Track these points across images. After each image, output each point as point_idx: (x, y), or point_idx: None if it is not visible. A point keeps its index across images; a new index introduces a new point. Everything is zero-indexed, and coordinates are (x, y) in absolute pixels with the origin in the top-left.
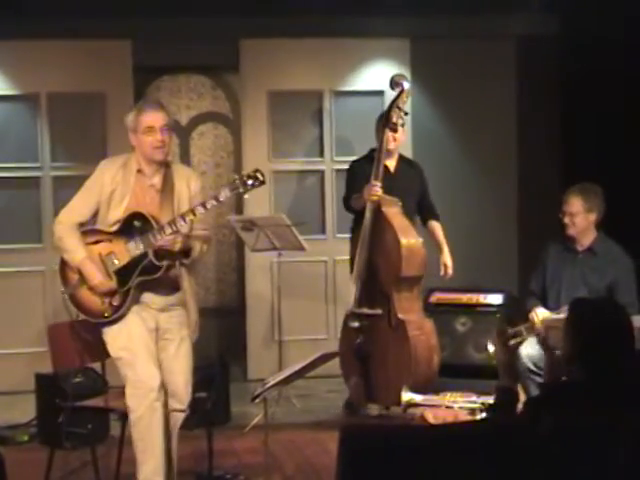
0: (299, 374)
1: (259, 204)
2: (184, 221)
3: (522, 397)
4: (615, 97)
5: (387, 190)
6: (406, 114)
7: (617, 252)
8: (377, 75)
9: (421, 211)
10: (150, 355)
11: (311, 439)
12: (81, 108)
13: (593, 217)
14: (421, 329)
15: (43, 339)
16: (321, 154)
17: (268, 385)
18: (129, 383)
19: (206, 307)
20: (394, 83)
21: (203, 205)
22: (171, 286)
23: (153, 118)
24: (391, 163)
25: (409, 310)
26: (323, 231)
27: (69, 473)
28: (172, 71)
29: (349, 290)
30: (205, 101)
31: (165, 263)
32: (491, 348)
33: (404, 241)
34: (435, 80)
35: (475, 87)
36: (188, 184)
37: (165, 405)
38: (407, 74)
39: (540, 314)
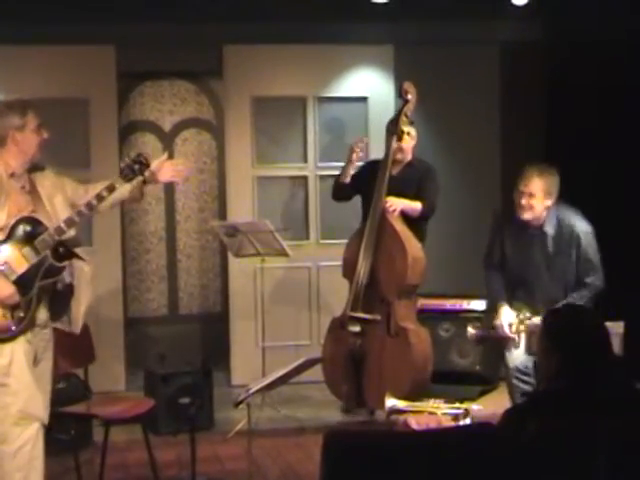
0: (283, 380)
1: (242, 210)
2: (80, 216)
3: (507, 402)
4: (599, 102)
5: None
6: (412, 123)
7: (571, 228)
8: (361, 81)
9: None
10: (34, 382)
11: (294, 445)
12: (64, 113)
13: (550, 202)
14: (419, 337)
15: None
16: (305, 160)
17: (252, 391)
18: (10, 414)
19: (190, 313)
20: (403, 91)
21: (99, 196)
22: (64, 295)
23: (38, 116)
24: (396, 168)
25: (407, 318)
26: (307, 237)
27: (52, 479)
28: (155, 77)
29: (333, 296)
30: (189, 107)
31: (66, 263)
32: (471, 331)
33: (410, 250)
34: (419, 86)
35: (459, 93)
36: (51, 180)
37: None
38: (390, 80)
39: (505, 320)
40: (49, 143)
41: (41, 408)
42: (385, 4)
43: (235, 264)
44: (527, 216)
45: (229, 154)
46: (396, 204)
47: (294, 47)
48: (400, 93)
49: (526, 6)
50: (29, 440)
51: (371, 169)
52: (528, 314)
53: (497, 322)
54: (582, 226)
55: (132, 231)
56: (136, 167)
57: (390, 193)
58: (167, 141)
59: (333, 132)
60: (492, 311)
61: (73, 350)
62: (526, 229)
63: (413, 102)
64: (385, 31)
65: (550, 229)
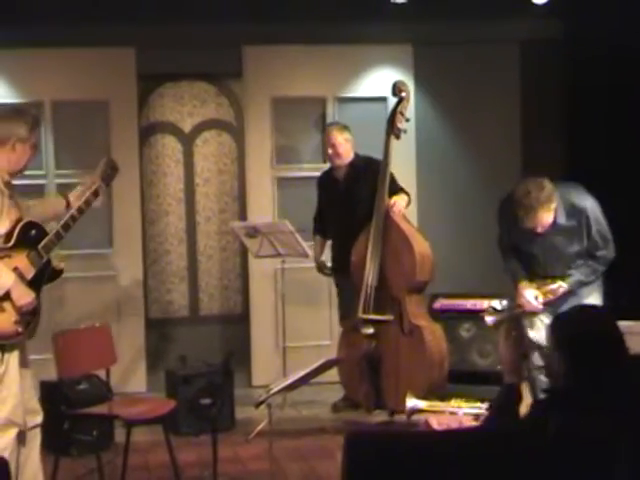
0: (303, 380)
1: (262, 210)
2: (73, 221)
3: (528, 396)
4: (620, 101)
5: (337, 203)
6: (407, 120)
7: (578, 207)
8: (380, 81)
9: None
10: (20, 391)
11: (316, 446)
12: (85, 115)
13: (555, 205)
14: (433, 334)
15: (48, 346)
16: (325, 160)
17: (272, 391)
18: None
19: (210, 314)
20: (397, 89)
21: (87, 202)
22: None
23: (39, 135)
24: (341, 173)
25: (419, 315)
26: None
27: None
28: (175, 78)
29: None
30: (208, 108)
31: (62, 266)
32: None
33: (417, 247)
34: (438, 86)
35: (478, 92)
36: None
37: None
38: (410, 80)
39: (529, 294)
40: (71, 145)
41: (22, 416)
42: (404, 4)
43: (255, 265)
44: (540, 231)
45: (249, 155)
46: (399, 203)
47: (313, 48)
48: (394, 92)
49: (546, 5)
50: (7, 446)
51: (325, 182)
52: (547, 281)
53: (522, 299)
54: (587, 202)
55: (152, 232)
56: (110, 172)
57: (343, 198)
58: (187, 142)
59: (353, 132)
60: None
61: (95, 351)
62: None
63: (408, 100)
64: (404, 31)
65: (562, 219)
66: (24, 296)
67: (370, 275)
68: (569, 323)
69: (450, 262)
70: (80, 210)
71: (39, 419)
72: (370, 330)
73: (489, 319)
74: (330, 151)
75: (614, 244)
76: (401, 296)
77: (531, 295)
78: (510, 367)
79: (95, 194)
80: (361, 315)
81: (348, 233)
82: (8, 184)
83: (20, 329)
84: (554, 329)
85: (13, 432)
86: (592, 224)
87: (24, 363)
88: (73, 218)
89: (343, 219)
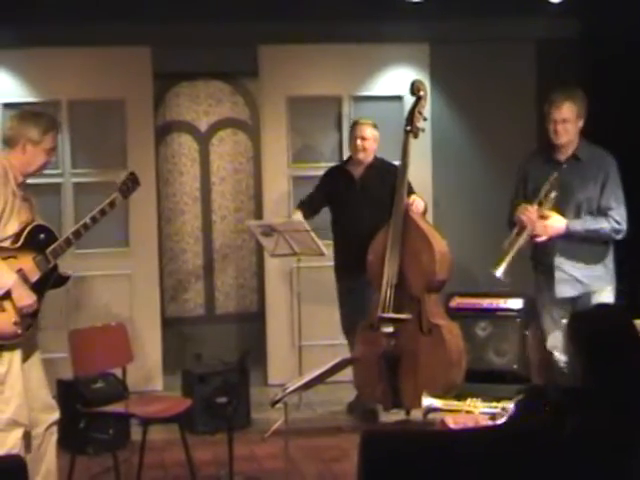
0: (319, 379)
1: (278, 209)
2: (85, 229)
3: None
4: (636, 100)
5: (350, 201)
6: (425, 119)
7: (603, 157)
8: (396, 80)
9: None
10: (25, 391)
11: (332, 444)
12: (101, 115)
13: (581, 123)
14: (452, 333)
15: (64, 345)
16: (340, 159)
17: (288, 390)
18: (0, 419)
19: (226, 312)
20: (415, 88)
21: (102, 211)
22: None
23: (56, 140)
24: (358, 172)
25: (437, 314)
26: None
27: (91, 478)
28: (191, 77)
29: None
30: (224, 107)
31: (70, 273)
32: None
33: (436, 246)
34: (454, 84)
35: (495, 91)
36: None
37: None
38: (426, 79)
39: (529, 208)
40: (87, 145)
41: (27, 417)
42: (420, 2)
43: (271, 263)
44: (563, 140)
45: (265, 154)
46: (419, 202)
47: (329, 46)
48: (412, 91)
49: (562, 3)
50: (13, 447)
51: (332, 178)
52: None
53: (521, 216)
54: (612, 161)
55: (169, 231)
56: (130, 185)
57: (359, 199)
58: (203, 141)
59: None
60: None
61: (111, 350)
62: (554, 160)
63: (425, 99)
64: (420, 29)
65: (583, 154)
66: (25, 297)
67: (390, 273)
68: (586, 321)
69: (465, 261)
70: (94, 219)
71: (56, 415)
72: (390, 329)
73: (498, 271)
74: (359, 142)
75: (628, 221)
76: (420, 295)
77: (530, 207)
78: (536, 367)
79: (112, 205)
80: (380, 313)
81: (359, 234)
82: (21, 185)
83: (19, 330)
84: (571, 328)
85: (18, 433)
86: (610, 180)
87: (35, 361)
88: (86, 226)
89: (355, 219)
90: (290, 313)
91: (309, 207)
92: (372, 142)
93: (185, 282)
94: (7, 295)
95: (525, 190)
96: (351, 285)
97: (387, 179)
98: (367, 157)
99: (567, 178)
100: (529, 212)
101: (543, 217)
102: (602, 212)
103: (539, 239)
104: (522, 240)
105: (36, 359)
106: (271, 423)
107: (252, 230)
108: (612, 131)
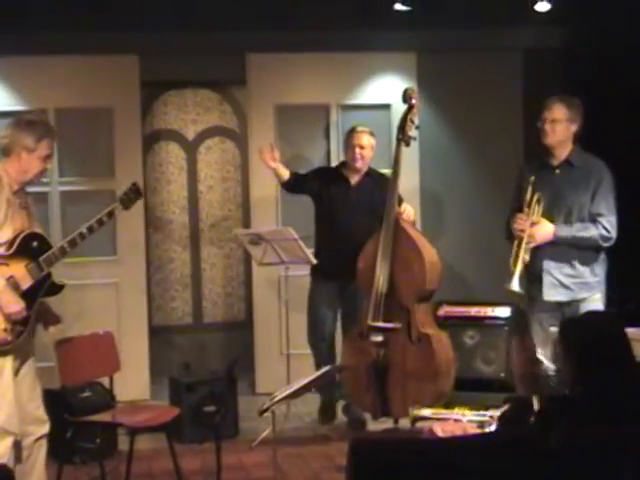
0: (307, 388)
1: (266, 218)
2: (82, 238)
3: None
4: (622, 107)
5: (343, 204)
6: (417, 128)
7: (596, 164)
8: (384, 88)
9: None
10: (15, 398)
11: (320, 453)
12: (89, 123)
13: (574, 128)
14: (441, 342)
15: (50, 354)
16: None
17: (276, 399)
18: None
19: (214, 321)
20: (407, 96)
21: (99, 221)
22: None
23: (51, 147)
24: (354, 178)
25: (426, 323)
26: None
27: None
28: (179, 86)
29: None
30: (212, 115)
31: (65, 282)
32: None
33: (427, 256)
34: (442, 93)
35: (482, 100)
36: (29, 198)
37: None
38: (414, 87)
39: (519, 216)
40: (74, 153)
41: (17, 425)
42: (408, 12)
43: (259, 272)
44: (550, 140)
45: (252, 162)
46: (410, 211)
47: (317, 55)
48: (404, 99)
49: (549, 12)
50: (3, 455)
51: (327, 176)
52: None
53: (514, 224)
54: (605, 168)
55: (156, 240)
56: (132, 196)
57: (353, 207)
58: (191, 150)
59: None
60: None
61: (98, 359)
62: (549, 164)
63: (417, 107)
64: (408, 38)
65: (575, 160)
66: (12, 304)
67: (380, 282)
68: (578, 327)
69: (454, 269)
70: (91, 228)
71: (46, 428)
72: (379, 338)
73: (514, 285)
74: (357, 151)
75: (619, 228)
76: (410, 304)
77: (521, 216)
78: (519, 377)
79: (110, 215)
80: (371, 322)
81: (352, 240)
82: (17, 193)
83: (9, 337)
84: (563, 333)
85: (8, 441)
86: (602, 187)
87: (28, 372)
88: (82, 236)
89: (346, 227)
90: (278, 321)
91: (299, 178)
92: (369, 150)
93: (173, 291)
94: None
95: (520, 195)
96: (327, 287)
97: (379, 188)
98: (364, 166)
99: (559, 183)
100: (521, 221)
101: (533, 224)
102: (592, 218)
103: (529, 245)
104: (523, 252)
105: (29, 369)
106: (259, 432)
107: (240, 239)
108: (598, 139)
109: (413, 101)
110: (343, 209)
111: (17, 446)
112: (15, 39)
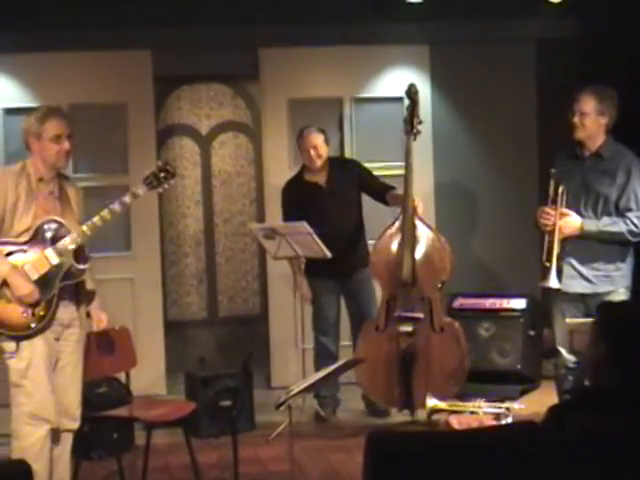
0: (323, 381)
1: (280, 212)
2: (102, 221)
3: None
4: (636, 99)
5: (324, 208)
6: (421, 123)
7: (627, 155)
8: (397, 81)
9: (376, 195)
10: (50, 384)
11: (336, 446)
12: (102, 119)
13: (604, 121)
14: (460, 330)
15: None
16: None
17: (292, 392)
18: (23, 413)
19: (229, 315)
20: (412, 92)
21: (121, 202)
22: (84, 295)
23: (60, 126)
24: (321, 178)
25: (442, 313)
26: None
27: None
28: (192, 80)
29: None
30: (225, 110)
31: (88, 265)
32: (554, 283)
33: (447, 246)
34: (455, 85)
35: (495, 92)
36: (75, 191)
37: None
38: (427, 80)
39: (546, 209)
40: (88, 149)
41: (52, 412)
42: (420, 4)
43: (274, 266)
44: (579, 135)
45: (266, 157)
46: (421, 206)
47: (330, 49)
48: (409, 94)
49: (562, 3)
50: (37, 441)
51: (297, 192)
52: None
53: (540, 220)
54: (636, 158)
55: (171, 235)
56: (162, 175)
57: (329, 203)
58: (204, 145)
59: (370, 133)
60: None
61: (114, 354)
62: (580, 155)
63: (419, 101)
64: (420, 31)
65: (605, 152)
66: (21, 287)
67: (405, 273)
68: (619, 309)
69: (467, 261)
70: (112, 211)
71: (74, 425)
72: (410, 328)
73: (552, 283)
74: (312, 152)
75: None
76: (431, 294)
77: (549, 210)
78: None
79: (134, 195)
80: (400, 312)
81: (340, 237)
82: (47, 181)
83: (32, 323)
84: (602, 314)
85: (43, 429)
86: (632, 179)
87: (70, 363)
88: (102, 219)
89: (333, 224)
90: (293, 315)
91: (292, 219)
92: (323, 147)
93: (187, 285)
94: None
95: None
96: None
97: (349, 176)
98: (323, 162)
99: (587, 175)
100: (549, 215)
101: (562, 214)
102: (620, 213)
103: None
104: (557, 245)
105: (71, 361)
106: (275, 426)
107: (254, 233)
108: (614, 131)
109: (417, 96)
110: (325, 212)
111: (54, 432)
112: (29, 36)
